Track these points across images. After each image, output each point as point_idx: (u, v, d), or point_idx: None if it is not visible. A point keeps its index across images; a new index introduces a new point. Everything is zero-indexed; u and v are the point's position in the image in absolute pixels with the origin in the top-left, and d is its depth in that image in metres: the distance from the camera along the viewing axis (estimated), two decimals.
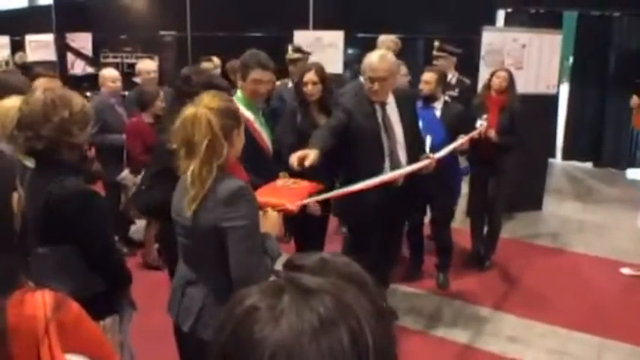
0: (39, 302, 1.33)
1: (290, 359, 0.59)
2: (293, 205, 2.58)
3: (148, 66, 5.72)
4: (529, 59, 6.57)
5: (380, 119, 3.77)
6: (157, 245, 4.96)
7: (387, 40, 5.52)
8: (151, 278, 4.36)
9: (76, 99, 2.36)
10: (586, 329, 4.27)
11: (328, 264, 0.69)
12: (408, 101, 3.98)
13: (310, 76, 3.94)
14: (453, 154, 4.53)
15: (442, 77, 4.79)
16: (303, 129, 3.88)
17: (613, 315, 4.44)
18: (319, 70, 4.00)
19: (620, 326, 4.25)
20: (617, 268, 5.28)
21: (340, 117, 3.71)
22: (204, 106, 2.16)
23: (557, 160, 9.51)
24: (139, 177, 4.74)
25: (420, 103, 4.49)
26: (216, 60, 6.53)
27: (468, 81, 5.55)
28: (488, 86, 5.16)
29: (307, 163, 3.15)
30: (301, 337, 0.59)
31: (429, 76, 4.69)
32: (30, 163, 2.32)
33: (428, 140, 4.32)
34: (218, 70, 6.38)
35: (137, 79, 5.69)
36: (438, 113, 4.68)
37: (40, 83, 4.00)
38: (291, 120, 4.01)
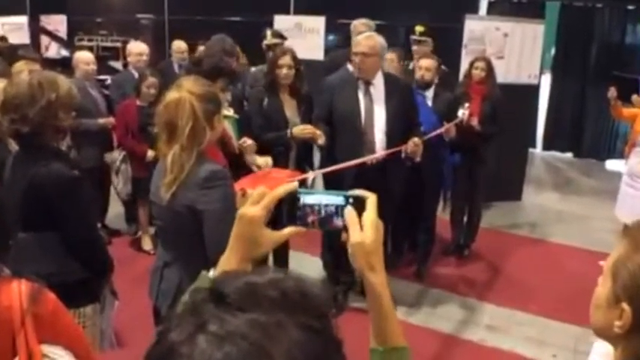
0: (15, 293, 1.34)
1: None
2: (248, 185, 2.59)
3: (138, 48, 5.62)
4: (511, 48, 6.57)
5: (361, 96, 3.92)
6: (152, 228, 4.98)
7: (360, 24, 5.46)
8: (143, 263, 4.32)
9: (62, 81, 2.33)
10: (564, 318, 4.30)
11: (256, 291, 0.65)
12: (402, 89, 4.07)
13: (286, 60, 4.00)
14: (442, 142, 4.56)
15: (439, 64, 4.79)
16: (270, 112, 4.00)
17: (590, 304, 4.47)
18: (293, 54, 4.07)
19: None
20: (594, 258, 5.27)
21: (324, 103, 3.97)
22: (186, 91, 2.19)
23: (538, 150, 9.59)
24: (121, 156, 4.88)
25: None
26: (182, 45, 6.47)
27: (445, 68, 5.51)
28: (469, 75, 5.15)
29: (320, 142, 3.75)
30: None
31: (428, 63, 4.65)
32: (14, 146, 2.28)
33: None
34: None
35: (120, 62, 5.62)
36: (429, 100, 4.68)
37: (19, 66, 3.92)
38: (258, 103, 4.07)
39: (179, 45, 6.47)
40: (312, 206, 1.03)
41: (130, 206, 5.37)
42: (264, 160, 3.76)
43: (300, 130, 3.84)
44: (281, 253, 4.24)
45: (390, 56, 4.74)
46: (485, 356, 3.91)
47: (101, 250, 2.46)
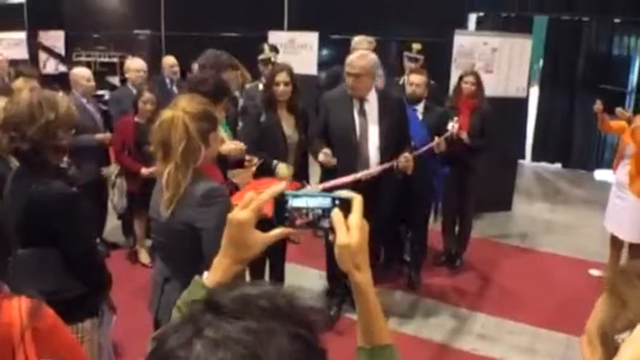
0: (15, 309, 1.35)
1: None
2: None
3: (137, 64, 5.67)
4: (499, 63, 6.69)
5: (355, 113, 4.00)
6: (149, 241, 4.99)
7: (362, 41, 5.54)
8: (140, 276, 4.34)
9: (62, 101, 2.36)
10: (553, 327, 4.37)
11: (249, 301, 0.70)
12: (395, 105, 4.17)
13: (283, 77, 4.05)
14: (433, 156, 4.64)
15: (429, 79, 4.89)
16: (267, 127, 4.05)
17: (580, 313, 4.44)
18: (290, 71, 4.13)
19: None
20: (584, 268, 5.41)
21: (321, 120, 4.07)
22: (181, 110, 2.21)
23: (527, 162, 9.66)
24: (117, 170, 4.98)
25: None
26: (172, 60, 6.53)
27: (434, 83, 5.60)
28: (458, 90, 5.25)
29: (333, 163, 3.86)
30: None
31: (418, 79, 4.76)
32: (16, 163, 2.31)
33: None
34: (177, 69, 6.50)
35: (117, 77, 5.68)
36: (419, 114, 4.78)
37: (19, 84, 3.97)
38: (255, 119, 4.12)
39: (169, 60, 6.53)
40: (299, 209, 1.07)
41: (126, 219, 5.42)
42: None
43: (287, 172, 3.92)
44: (277, 265, 4.30)
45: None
46: None
47: (99, 266, 2.48)
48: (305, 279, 4.78)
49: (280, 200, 1.07)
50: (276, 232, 1.09)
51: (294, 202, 1.07)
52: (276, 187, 1.09)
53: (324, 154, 3.87)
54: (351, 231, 1.04)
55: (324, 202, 1.07)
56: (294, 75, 4.14)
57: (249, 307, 0.69)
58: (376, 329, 1.08)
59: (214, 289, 0.78)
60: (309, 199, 1.07)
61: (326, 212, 1.06)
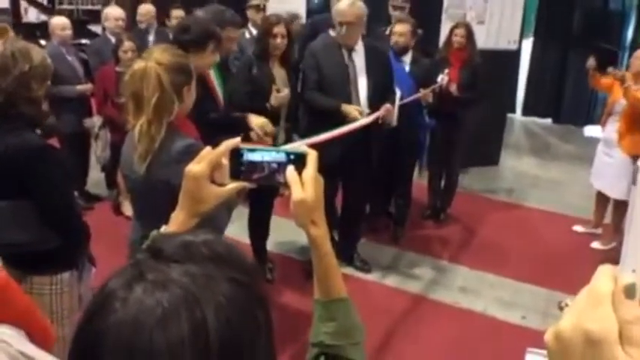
0: None
1: (130, 349, 0.64)
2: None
3: (116, 12, 5.55)
4: (491, 14, 6.56)
5: (346, 62, 3.97)
6: None
7: None
8: (123, 228, 4.31)
9: (36, 52, 2.35)
10: (535, 281, 4.42)
11: (190, 248, 0.72)
12: (381, 56, 4.13)
13: (280, 29, 3.90)
14: (421, 108, 4.60)
15: (414, 29, 4.74)
16: (259, 80, 3.94)
17: (561, 268, 4.58)
18: (287, 23, 4.01)
19: (568, 279, 4.35)
20: (568, 224, 5.44)
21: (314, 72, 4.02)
22: (154, 61, 2.12)
23: (517, 116, 9.59)
24: (100, 122, 4.93)
25: (390, 56, 4.49)
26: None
27: (421, 32, 5.47)
28: (449, 42, 5.15)
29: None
30: (143, 327, 0.64)
31: (402, 28, 4.61)
32: None
33: (398, 93, 4.33)
34: None
35: (100, 25, 5.52)
36: (406, 66, 4.69)
37: None
38: (246, 70, 4.01)
39: (148, 9, 6.28)
40: (254, 163, 1.07)
41: (109, 171, 5.36)
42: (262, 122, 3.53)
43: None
44: (263, 218, 4.30)
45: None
46: (457, 317, 4.02)
47: (76, 219, 2.47)
48: (288, 232, 4.76)
49: (236, 154, 1.07)
50: (232, 186, 1.09)
51: (249, 157, 1.07)
52: (230, 141, 1.08)
53: (357, 110, 3.81)
54: (305, 186, 1.04)
55: (279, 156, 1.07)
56: (291, 28, 4.03)
57: (190, 252, 0.71)
58: (332, 283, 1.10)
59: (157, 236, 0.80)
60: (265, 154, 1.08)
61: (281, 167, 1.06)
